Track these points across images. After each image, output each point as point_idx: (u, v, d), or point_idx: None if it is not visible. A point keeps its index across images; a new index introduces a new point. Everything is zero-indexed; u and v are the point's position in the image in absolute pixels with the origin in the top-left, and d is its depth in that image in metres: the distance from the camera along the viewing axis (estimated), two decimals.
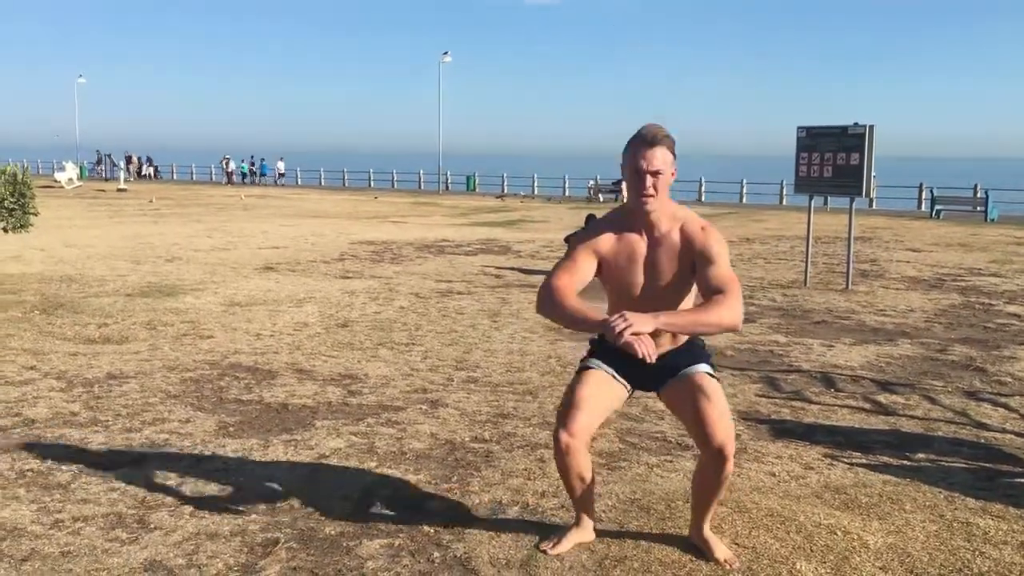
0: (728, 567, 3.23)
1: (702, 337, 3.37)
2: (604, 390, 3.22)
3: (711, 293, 3.01)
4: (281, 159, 47.42)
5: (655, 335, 3.00)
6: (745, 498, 3.87)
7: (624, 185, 3.23)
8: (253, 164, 48.37)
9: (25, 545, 3.35)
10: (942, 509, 3.80)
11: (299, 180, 48.24)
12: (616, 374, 3.26)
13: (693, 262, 3.10)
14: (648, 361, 2.84)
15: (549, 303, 3.08)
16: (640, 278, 3.16)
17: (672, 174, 3.09)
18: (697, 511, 3.35)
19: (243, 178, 46.73)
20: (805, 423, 5.13)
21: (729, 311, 2.96)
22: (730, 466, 3.14)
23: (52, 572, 3.14)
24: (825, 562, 3.26)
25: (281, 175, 46.28)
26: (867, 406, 5.51)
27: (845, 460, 4.44)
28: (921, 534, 3.53)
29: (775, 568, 3.21)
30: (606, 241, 3.18)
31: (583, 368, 3.30)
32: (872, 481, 4.13)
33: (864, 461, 4.43)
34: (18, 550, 3.31)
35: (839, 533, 3.51)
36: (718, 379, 3.25)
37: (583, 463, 3.20)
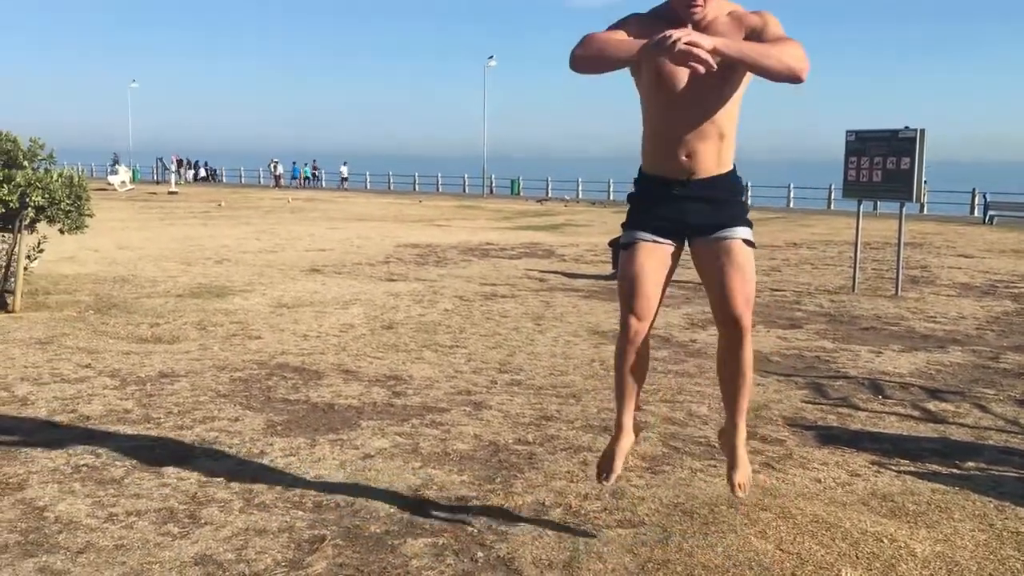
0: (739, 491, 3.29)
1: (740, 185, 3.22)
2: (655, 261, 3.15)
3: (773, 43, 2.83)
4: (344, 163, 47.34)
5: (699, 155, 3.01)
6: (790, 504, 3.84)
7: None
8: (316, 167, 48.82)
9: (81, 538, 3.45)
10: (992, 518, 3.74)
11: (345, 184, 48.68)
12: (658, 237, 3.16)
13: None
14: (703, 70, 2.64)
15: (585, 45, 2.90)
16: (682, 68, 2.87)
17: None
18: (727, 407, 3.33)
19: (306, 181, 47.32)
20: (852, 430, 5.07)
21: (795, 55, 2.77)
22: (747, 343, 3.11)
23: (107, 564, 3.23)
24: (871, 569, 3.23)
25: (344, 179, 46.02)
26: (916, 413, 5.44)
27: (892, 467, 4.39)
28: (970, 543, 3.48)
29: (820, 574, 3.19)
30: (645, 21, 2.97)
31: (626, 245, 3.21)
32: (920, 489, 4.08)
33: (912, 469, 4.38)
34: (74, 542, 3.40)
35: (886, 540, 3.48)
36: (753, 244, 3.17)
37: (644, 352, 3.19)
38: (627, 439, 3.40)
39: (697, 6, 2.94)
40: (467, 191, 43.89)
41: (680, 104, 3.02)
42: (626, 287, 3.15)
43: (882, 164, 10.67)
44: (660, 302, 3.23)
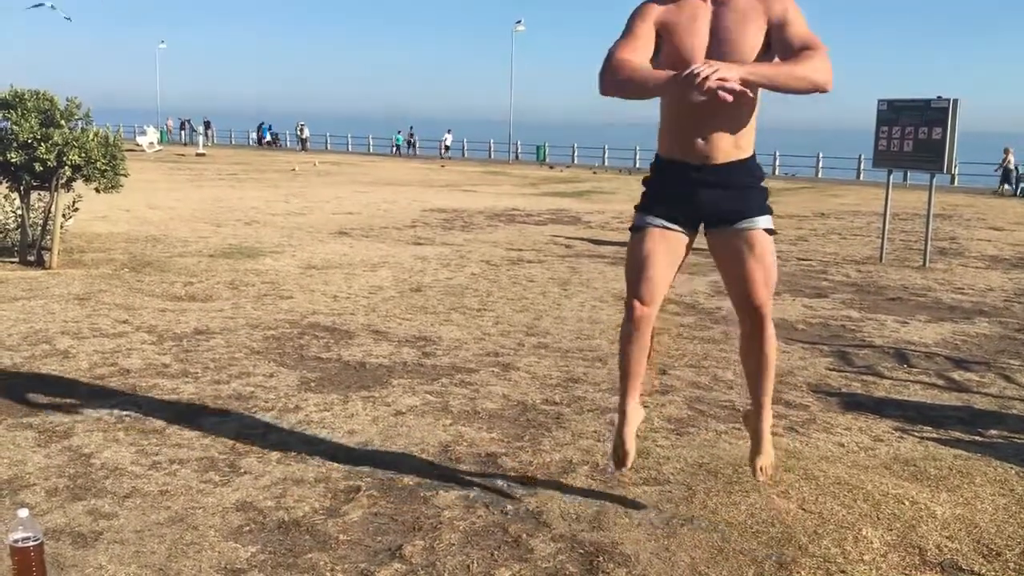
0: (760, 475, 3.35)
1: (760, 171, 3.17)
2: (664, 247, 3.10)
3: (797, 53, 2.83)
4: (449, 131, 44.70)
5: (716, 139, 2.97)
6: (813, 466, 3.92)
7: None
8: (412, 135, 46.22)
9: (127, 483, 3.59)
10: (1013, 484, 3.80)
11: (371, 148, 48.64)
12: (670, 224, 3.11)
13: (766, 31, 2.91)
14: (730, 99, 2.68)
15: (612, 72, 2.90)
16: (703, 40, 2.91)
17: None
18: (751, 391, 3.34)
19: (396, 150, 45.22)
20: (876, 397, 5.13)
21: (820, 68, 2.78)
22: (768, 327, 3.11)
23: (152, 508, 3.37)
24: (891, 529, 3.31)
25: (447, 147, 43.47)
26: (940, 382, 5.48)
27: (915, 434, 4.45)
28: (990, 507, 3.55)
29: (841, 533, 3.27)
30: (663, 6, 2.98)
31: (636, 228, 3.17)
32: (942, 455, 4.14)
33: (935, 435, 4.43)
34: (120, 487, 3.55)
35: (906, 503, 3.55)
36: (774, 232, 3.14)
37: (647, 337, 3.16)
38: (633, 422, 3.38)
39: None
40: (492, 156, 43.81)
41: None
42: (633, 271, 3.11)
43: (913, 134, 10.58)
44: (669, 287, 3.21)
